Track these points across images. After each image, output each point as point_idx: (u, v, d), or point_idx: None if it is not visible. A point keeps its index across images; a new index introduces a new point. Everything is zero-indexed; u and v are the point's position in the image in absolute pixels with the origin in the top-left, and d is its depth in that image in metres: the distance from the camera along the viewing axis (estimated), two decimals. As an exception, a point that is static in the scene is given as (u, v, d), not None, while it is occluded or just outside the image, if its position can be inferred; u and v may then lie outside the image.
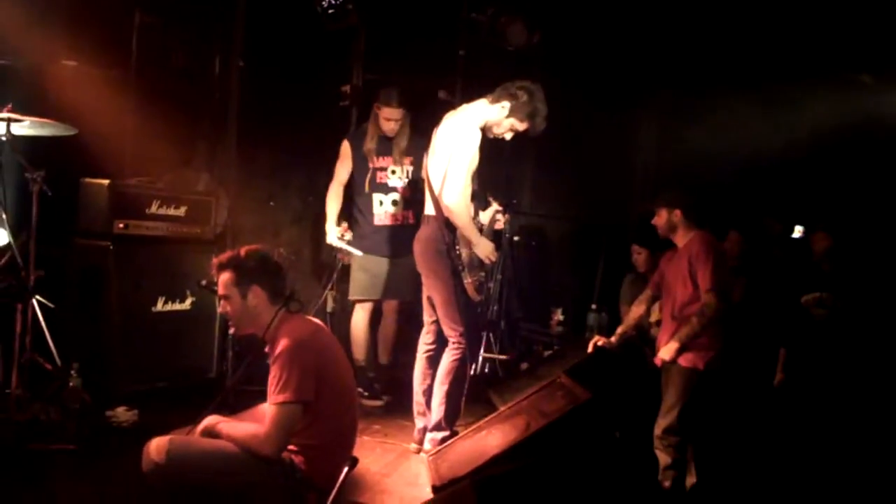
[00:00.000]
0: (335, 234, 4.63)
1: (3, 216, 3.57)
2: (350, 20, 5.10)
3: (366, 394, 4.62)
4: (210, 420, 2.67)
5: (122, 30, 4.68)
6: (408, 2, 5.41)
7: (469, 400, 3.96)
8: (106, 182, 4.06)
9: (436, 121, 3.88)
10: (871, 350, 4.22)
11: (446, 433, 3.76)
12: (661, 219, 3.60)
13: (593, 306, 5.42)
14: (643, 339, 4.11)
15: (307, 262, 5.56)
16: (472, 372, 4.15)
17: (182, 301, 4.29)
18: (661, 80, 6.30)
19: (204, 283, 3.84)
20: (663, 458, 3.44)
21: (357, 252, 4.61)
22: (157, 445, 2.52)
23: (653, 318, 4.08)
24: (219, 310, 3.19)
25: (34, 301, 3.59)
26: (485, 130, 3.77)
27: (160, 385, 4.15)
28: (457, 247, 3.72)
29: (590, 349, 3.75)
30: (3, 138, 3.47)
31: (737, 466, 3.77)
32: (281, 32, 5.16)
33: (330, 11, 5.01)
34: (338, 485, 2.42)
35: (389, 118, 4.56)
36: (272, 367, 2.61)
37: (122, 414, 3.77)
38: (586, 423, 3.27)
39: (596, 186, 6.43)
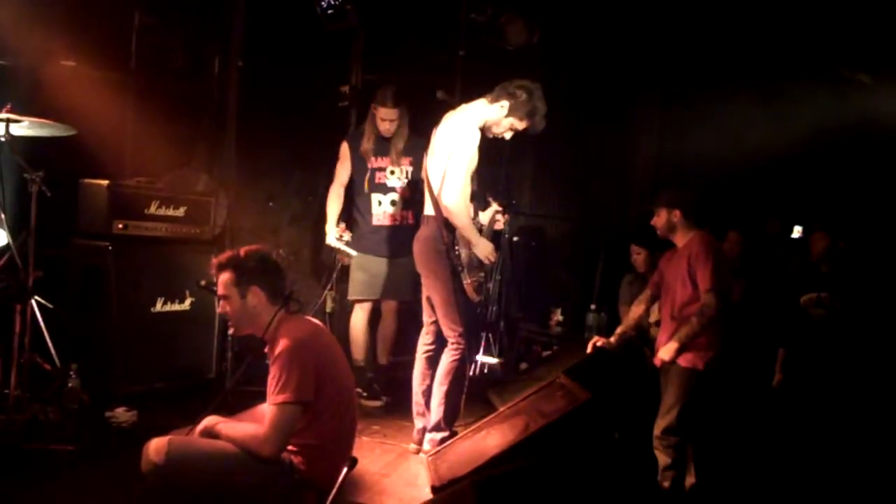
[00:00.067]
0: (334, 234, 4.64)
1: (3, 216, 3.56)
2: (349, 21, 5.10)
3: (365, 394, 4.62)
4: (209, 420, 2.67)
5: (122, 30, 4.69)
6: (407, 2, 5.40)
7: (468, 400, 3.96)
8: (105, 182, 4.06)
9: (435, 121, 3.88)
10: (869, 350, 4.22)
11: (445, 433, 3.76)
12: (660, 219, 3.59)
13: (592, 306, 5.41)
14: (643, 339, 4.10)
15: (306, 263, 5.55)
16: (471, 372, 4.15)
17: (181, 301, 4.29)
18: (661, 79, 6.29)
19: (203, 283, 3.84)
20: (663, 459, 3.44)
21: (352, 252, 4.61)
22: (156, 446, 2.52)
23: (652, 319, 4.08)
24: (218, 310, 3.20)
25: (33, 301, 3.58)
26: (484, 130, 3.76)
27: (159, 385, 4.15)
28: (456, 247, 3.71)
29: (589, 349, 3.74)
30: (3, 139, 3.46)
31: (736, 466, 3.77)
32: (280, 33, 5.16)
33: (329, 12, 5.01)
34: (337, 485, 2.42)
35: (385, 118, 4.56)
36: (271, 368, 2.61)
37: (122, 414, 3.77)
38: (586, 424, 3.27)
39: (595, 187, 6.44)
